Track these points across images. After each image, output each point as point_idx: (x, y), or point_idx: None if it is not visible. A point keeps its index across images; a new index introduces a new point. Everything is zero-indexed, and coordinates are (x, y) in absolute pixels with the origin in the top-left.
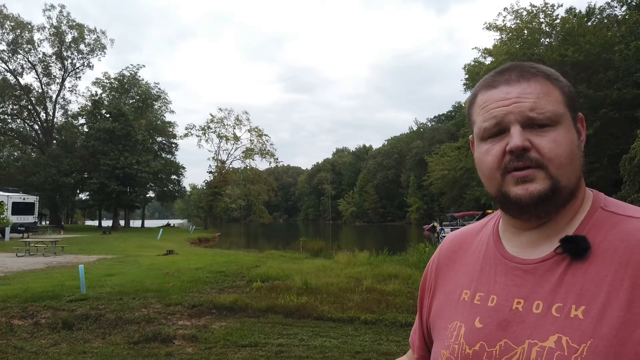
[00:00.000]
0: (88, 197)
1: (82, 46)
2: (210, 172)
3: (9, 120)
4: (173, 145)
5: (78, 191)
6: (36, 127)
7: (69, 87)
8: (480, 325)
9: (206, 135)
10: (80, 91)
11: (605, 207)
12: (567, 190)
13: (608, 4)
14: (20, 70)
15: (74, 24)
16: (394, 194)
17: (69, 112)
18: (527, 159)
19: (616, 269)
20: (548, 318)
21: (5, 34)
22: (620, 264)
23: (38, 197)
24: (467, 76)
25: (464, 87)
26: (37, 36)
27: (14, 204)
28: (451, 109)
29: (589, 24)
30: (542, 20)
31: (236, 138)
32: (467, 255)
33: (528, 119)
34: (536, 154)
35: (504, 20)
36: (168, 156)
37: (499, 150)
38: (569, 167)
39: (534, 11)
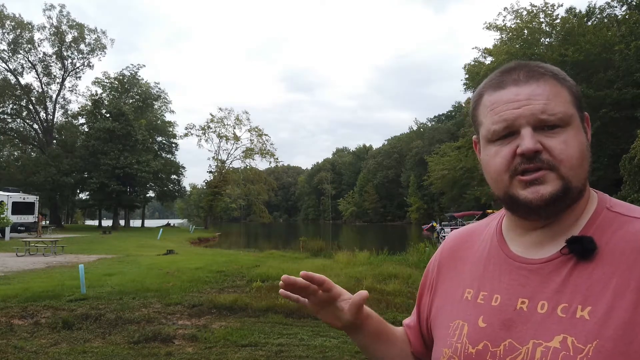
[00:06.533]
0: (88, 196)
1: (82, 46)
2: (210, 172)
3: (9, 120)
4: (173, 145)
5: (78, 191)
6: (36, 126)
7: (69, 87)
8: (484, 324)
9: (206, 135)
10: (80, 91)
11: (611, 208)
12: (576, 191)
13: (608, 3)
14: (21, 70)
15: (74, 23)
16: (394, 193)
17: (69, 112)
18: (538, 160)
19: (623, 271)
20: (553, 318)
21: (6, 34)
22: (627, 266)
23: (38, 197)
24: (467, 76)
25: (464, 87)
26: (37, 36)
27: (14, 203)
28: (451, 108)
29: (589, 23)
30: (542, 20)
31: (236, 138)
32: (470, 255)
33: (539, 121)
34: (547, 155)
35: (504, 20)
36: (168, 156)
37: (509, 152)
38: (579, 168)
39: (534, 11)
